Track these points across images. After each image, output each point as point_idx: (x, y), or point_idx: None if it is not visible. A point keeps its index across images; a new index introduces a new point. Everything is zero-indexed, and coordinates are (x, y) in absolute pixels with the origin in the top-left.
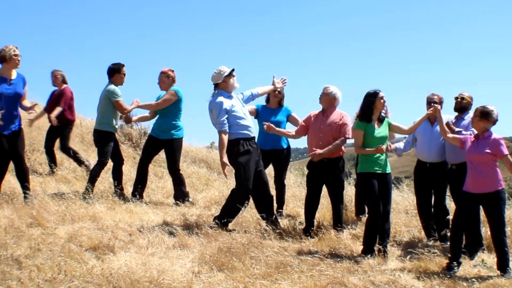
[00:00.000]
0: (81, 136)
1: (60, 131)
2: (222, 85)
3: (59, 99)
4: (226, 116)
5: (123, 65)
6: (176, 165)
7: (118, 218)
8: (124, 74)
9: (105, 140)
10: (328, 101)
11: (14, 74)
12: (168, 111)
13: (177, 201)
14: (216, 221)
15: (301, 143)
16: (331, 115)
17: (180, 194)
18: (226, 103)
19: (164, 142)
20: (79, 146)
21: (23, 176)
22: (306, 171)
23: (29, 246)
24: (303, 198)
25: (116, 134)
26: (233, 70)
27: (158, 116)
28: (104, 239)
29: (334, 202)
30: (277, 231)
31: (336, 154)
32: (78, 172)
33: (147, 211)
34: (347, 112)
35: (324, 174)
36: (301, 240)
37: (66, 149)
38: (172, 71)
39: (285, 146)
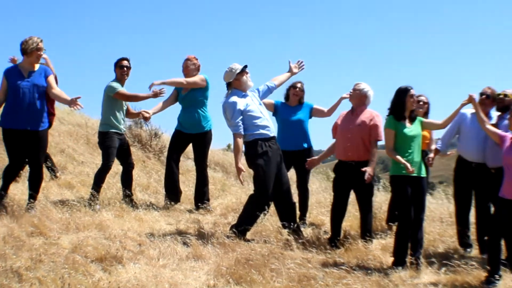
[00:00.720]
0: (87, 138)
1: None
2: (235, 84)
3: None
4: (241, 117)
5: (122, 58)
6: (205, 161)
7: (126, 226)
8: (124, 67)
9: (107, 141)
10: (359, 98)
11: (35, 67)
12: (194, 101)
13: (198, 204)
14: (233, 229)
15: (325, 144)
16: (361, 115)
17: (202, 196)
18: (240, 103)
19: (193, 136)
20: (84, 149)
21: (35, 184)
22: (332, 175)
23: (30, 257)
24: (328, 205)
25: (124, 135)
26: (245, 66)
27: (182, 108)
28: (111, 250)
29: (363, 209)
30: (300, 241)
31: (366, 157)
32: (83, 177)
33: (158, 219)
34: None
35: (352, 178)
36: (326, 251)
37: None
38: (197, 59)
39: (306, 147)
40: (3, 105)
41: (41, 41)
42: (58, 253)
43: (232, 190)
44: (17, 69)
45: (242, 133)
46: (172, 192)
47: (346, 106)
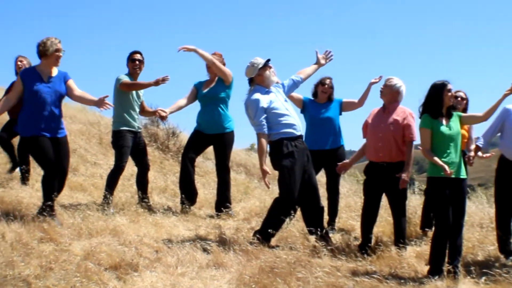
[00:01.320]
0: (99, 137)
1: None
2: (257, 80)
3: None
4: (265, 115)
5: (134, 52)
6: (227, 164)
7: (142, 232)
8: (136, 60)
9: (119, 140)
10: (391, 95)
11: (54, 71)
12: (216, 98)
13: (219, 209)
14: (257, 235)
15: (355, 144)
16: (394, 112)
17: (224, 200)
18: (264, 100)
19: (213, 137)
20: (97, 149)
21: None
22: (362, 177)
23: (39, 265)
24: (359, 209)
25: (140, 133)
26: (268, 60)
27: (202, 106)
28: (126, 257)
29: (396, 213)
30: (329, 247)
31: (399, 158)
32: (96, 179)
33: (176, 224)
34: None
35: (384, 181)
36: (357, 259)
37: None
38: (223, 57)
39: (337, 145)
40: (20, 112)
41: (60, 41)
42: (69, 261)
43: (255, 193)
44: (36, 72)
45: (266, 132)
46: (188, 193)
47: (377, 95)
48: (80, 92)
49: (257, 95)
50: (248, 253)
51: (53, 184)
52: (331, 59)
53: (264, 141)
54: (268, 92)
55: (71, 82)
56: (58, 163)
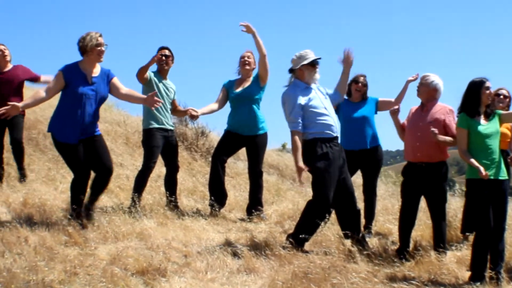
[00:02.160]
0: (126, 137)
1: (12, 119)
2: (297, 73)
3: (15, 81)
4: (301, 113)
5: (161, 48)
6: (260, 166)
7: (170, 236)
8: (162, 56)
9: (147, 139)
10: (428, 93)
11: (97, 69)
12: (249, 99)
13: (250, 213)
14: (290, 239)
15: (392, 144)
16: (432, 110)
17: (256, 203)
18: (302, 97)
19: (246, 139)
20: (123, 149)
21: (99, 191)
22: (399, 179)
23: (63, 270)
24: (396, 212)
25: (172, 132)
26: (316, 59)
27: (234, 106)
28: (154, 261)
29: (435, 217)
30: (365, 252)
31: (438, 158)
32: (122, 181)
33: (205, 227)
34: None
35: (423, 182)
36: (394, 264)
37: (20, 143)
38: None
39: (373, 146)
40: (55, 110)
41: (100, 35)
42: (94, 265)
43: (288, 195)
44: (79, 71)
45: (301, 130)
46: (217, 196)
47: (414, 92)
48: (126, 90)
49: (296, 90)
50: (280, 258)
51: (81, 188)
52: (353, 58)
53: (298, 138)
54: (307, 89)
55: (115, 80)
56: (99, 162)
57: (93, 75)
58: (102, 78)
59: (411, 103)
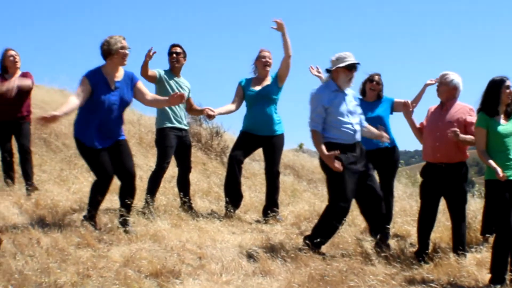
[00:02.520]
0: (139, 137)
1: (19, 126)
2: (333, 74)
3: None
4: (324, 115)
5: (172, 45)
6: (277, 166)
7: (185, 237)
8: (173, 53)
9: (160, 139)
10: (448, 92)
11: (120, 73)
12: (268, 98)
13: (266, 215)
14: (307, 241)
15: (410, 145)
16: (452, 109)
17: (273, 204)
18: (328, 99)
19: (263, 139)
20: (136, 149)
21: (128, 196)
22: (418, 180)
23: (76, 272)
24: (415, 213)
25: (186, 131)
26: (355, 64)
27: (251, 106)
28: (168, 263)
29: (455, 218)
30: (383, 254)
31: (458, 158)
32: (135, 181)
33: (220, 229)
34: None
35: (442, 183)
36: (413, 266)
37: (27, 151)
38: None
39: (389, 145)
40: (78, 115)
41: (124, 38)
42: (108, 267)
43: (304, 196)
44: (102, 77)
45: (320, 131)
46: (233, 197)
47: (431, 95)
48: (151, 95)
49: (323, 90)
50: (297, 260)
51: (102, 192)
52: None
53: (318, 137)
54: (337, 92)
55: (140, 85)
56: (121, 167)
57: (116, 79)
58: (126, 82)
59: (428, 104)
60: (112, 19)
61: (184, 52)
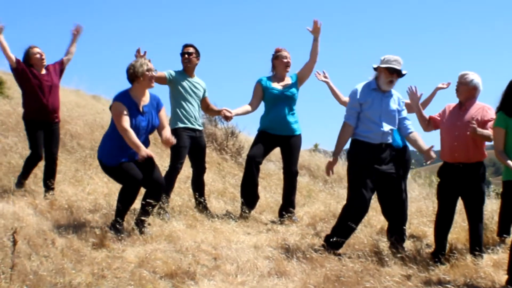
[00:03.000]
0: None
1: (51, 129)
2: (378, 73)
3: (55, 82)
4: (358, 110)
5: (184, 45)
6: (296, 166)
7: (200, 238)
8: (185, 54)
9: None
10: (468, 92)
11: (146, 96)
12: (292, 98)
13: (282, 215)
14: (326, 242)
15: (426, 145)
16: (471, 109)
17: (289, 205)
18: (363, 95)
19: (281, 139)
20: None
21: (154, 200)
22: (435, 180)
23: (91, 272)
24: (431, 214)
25: (200, 132)
26: (397, 70)
27: (272, 105)
28: (183, 264)
29: (472, 219)
30: (398, 255)
31: (476, 158)
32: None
33: (235, 229)
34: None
35: (460, 183)
36: (429, 267)
37: (56, 161)
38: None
39: (400, 145)
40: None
41: (149, 60)
42: (122, 268)
43: (320, 197)
44: (132, 101)
45: (352, 125)
46: (249, 198)
47: (441, 99)
48: (166, 128)
49: (363, 86)
50: (312, 261)
51: (130, 199)
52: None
53: (346, 130)
54: (375, 91)
55: (162, 114)
56: (150, 177)
57: (144, 103)
58: (153, 105)
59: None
60: (125, 19)
61: (197, 52)
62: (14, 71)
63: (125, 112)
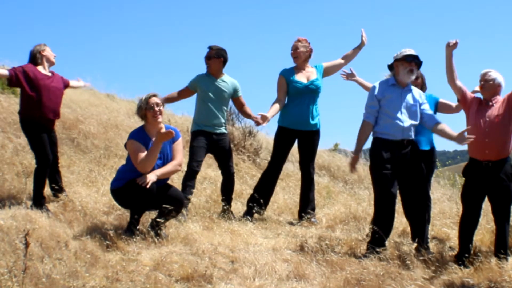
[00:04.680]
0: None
1: (52, 129)
2: (394, 70)
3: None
4: (377, 107)
5: (209, 48)
6: (313, 163)
7: (217, 240)
8: (207, 57)
9: (191, 142)
10: (493, 89)
11: (161, 127)
12: (316, 92)
13: (301, 215)
14: (371, 245)
15: (449, 145)
16: (497, 104)
17: (308, 203)
18: (381, 90)
19: (300, 134)
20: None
21: (171, 216)
22: (459, 181)
23: (105, 276)
24: (454, 216)
25: (223, 135)
26: (408, 56)
27: (295, 98)
28: (199, 267)
29: (499, 219)
30: (421, 258)
31: (503, 155)
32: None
33: (253, 231)
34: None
35: (488, 182)
36: (452, 270)
37: (58, 160)
38: (309, 42)
39: (428, 148)
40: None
41: (151, 96)
42: (137, 271)
43: (340, 198)
44: (146, 136)
45: (372, 122)
46: (264, 199)
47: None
48: (178, 157)
49: (381, 85)
50: (332, 264)
51: (141, 211)
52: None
53: (365, 128)
54: (394, 87)
55: (176, 146)
56: (170, 196)
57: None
58: (169, 142)
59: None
60: (140, 17)
61: (217, 52)
62: (10, 84)
63: (141, 149)
